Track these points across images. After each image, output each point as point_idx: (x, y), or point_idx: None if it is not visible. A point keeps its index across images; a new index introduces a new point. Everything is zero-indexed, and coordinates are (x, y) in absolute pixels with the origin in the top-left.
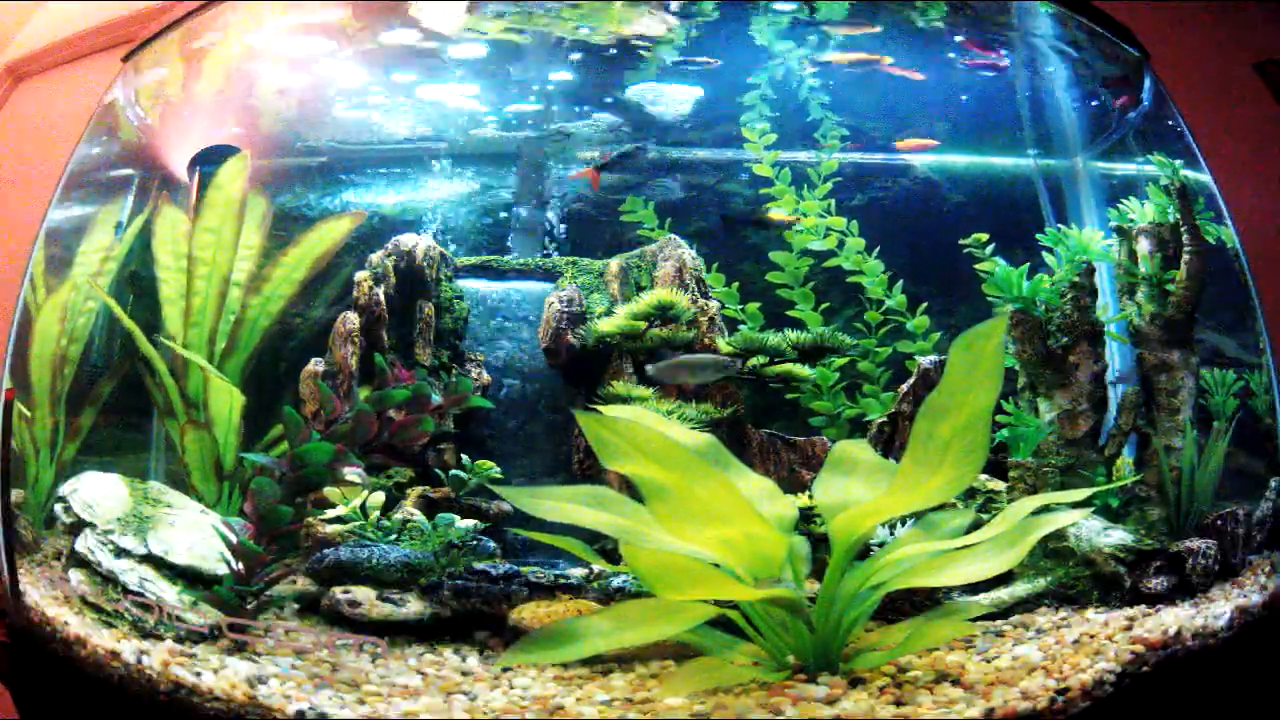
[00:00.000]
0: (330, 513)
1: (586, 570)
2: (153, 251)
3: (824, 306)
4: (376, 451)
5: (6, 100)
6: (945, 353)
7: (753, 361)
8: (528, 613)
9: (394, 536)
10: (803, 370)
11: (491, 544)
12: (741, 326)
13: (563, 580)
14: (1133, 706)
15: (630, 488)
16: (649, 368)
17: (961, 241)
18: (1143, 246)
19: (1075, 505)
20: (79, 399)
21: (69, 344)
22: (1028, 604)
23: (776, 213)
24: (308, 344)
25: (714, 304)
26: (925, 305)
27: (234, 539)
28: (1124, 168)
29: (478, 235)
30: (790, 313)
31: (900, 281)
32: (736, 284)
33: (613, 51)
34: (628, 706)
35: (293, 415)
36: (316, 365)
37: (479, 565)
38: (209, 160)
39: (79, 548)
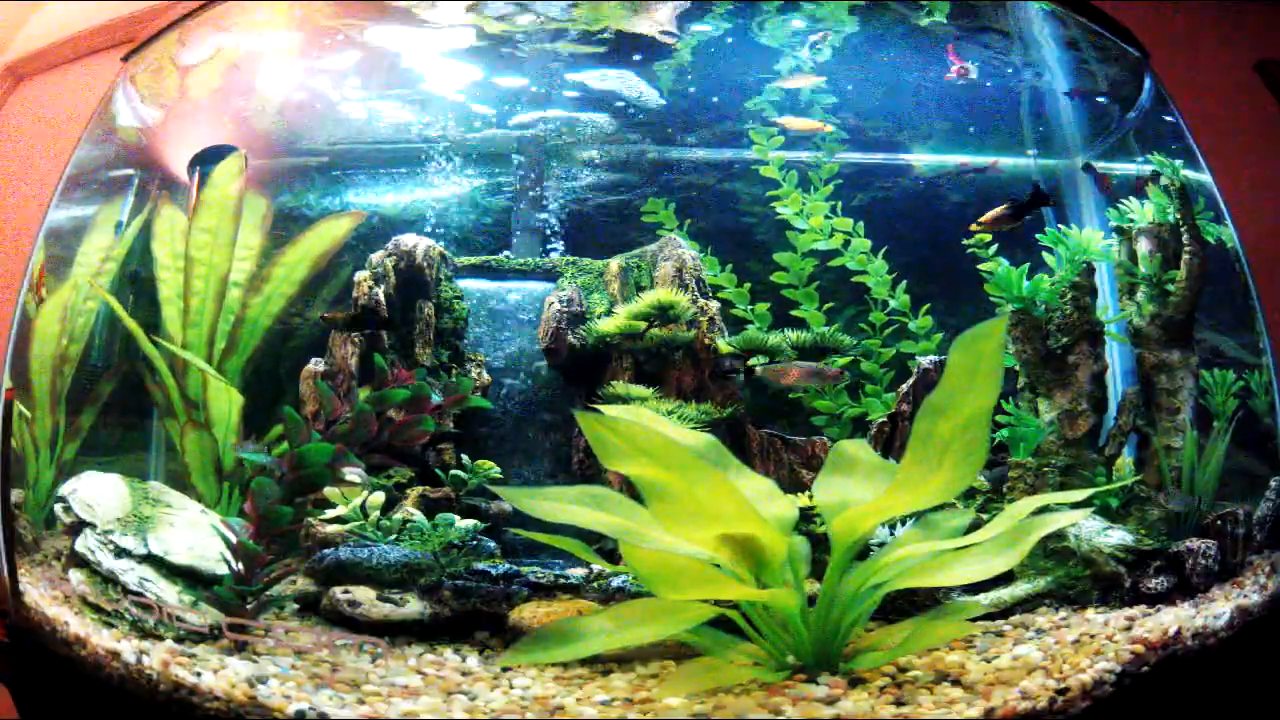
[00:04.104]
0: (330, 513)
1: (586, 570)
2: (152, 251)
3: (827, 306)
4: (376, 451)
5: (6, 100)
6: (946, 353)
7: (753, 361)
8: (528, 613)
9: (394, 536)
10: None
11: (492, 544)
12: (749, 326)
13: (563, 580)
14: (1133, 706)
15: (630, 488)
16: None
17: (966, 242)
18: (1143, 246)
19: (1075, 505)
20: (79, 399)
21: (69, 344)
22: (1028, 604)
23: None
24: (308, 344)
25: (714, 304)
26: (928, 306)
27: (234, 539)
28: (1124, 168)
29: (478, 235)
30: (794, 312)
31: (904, 282)
32: (749, 285)
33: (614, 51)
34: (628, 706)
35: (293, 415)
36: (316, 365)
37: (479, 565)
38: (208, 160)
39: (79, 548)
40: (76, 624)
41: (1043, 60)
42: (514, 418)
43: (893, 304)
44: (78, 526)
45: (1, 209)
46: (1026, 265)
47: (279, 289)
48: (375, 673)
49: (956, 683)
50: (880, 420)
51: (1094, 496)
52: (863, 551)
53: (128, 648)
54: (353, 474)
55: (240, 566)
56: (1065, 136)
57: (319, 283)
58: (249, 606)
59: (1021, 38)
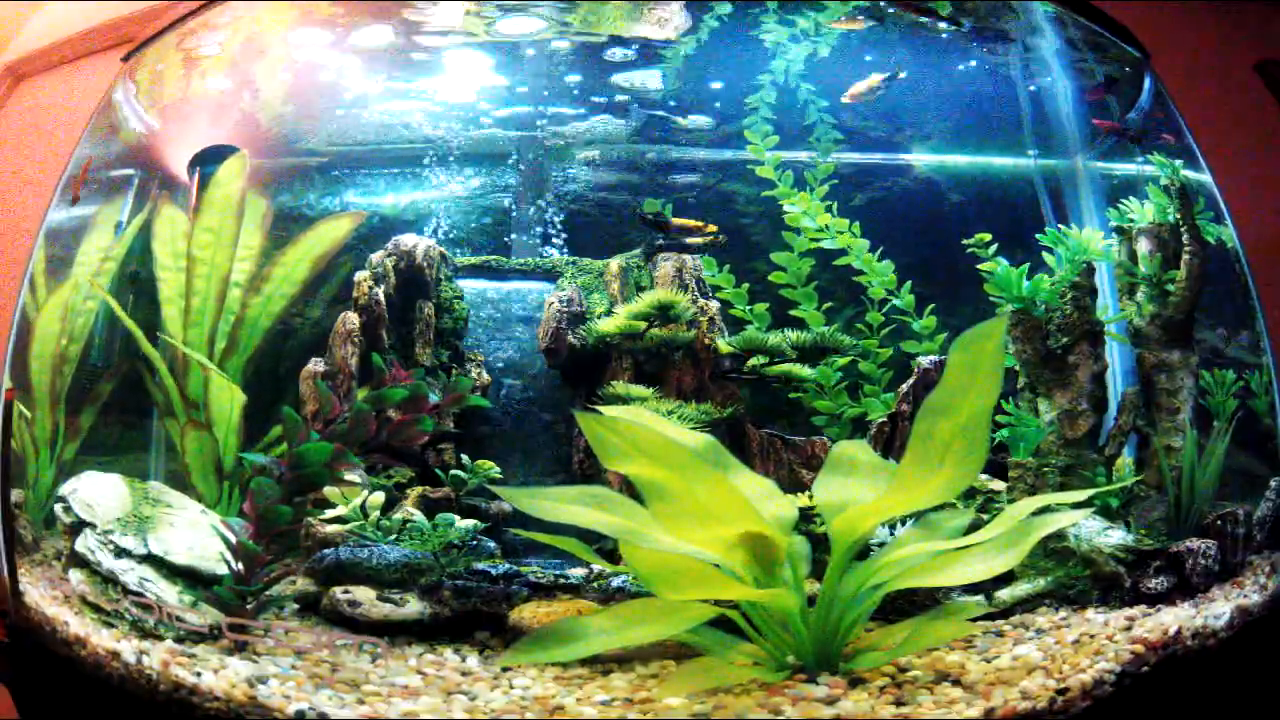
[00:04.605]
0: (330, 513)
1: (586, 570)
2: (152, 251)
3: (826, 306)
4: (375, 451)
5: (6, 100)
6: (947, 353)
7: (753, 361)
8: (528, 613)
9: (394, 536)
10: (802, 370)
11: (492, 544)
12: (748, 327)
13: (563, 580)
14: (1133, 706)
15: (630, 488)
16: None
17: (965, 242)
18: (1143, 246)
19: (1075, 505)
20: (79, 399)
21: (69, 344)
22: (1028, 604)
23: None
24: (308, 344)
25: (714, 304)
26: (933, 306)
27: (234, 539)
28: (1124, 168)
29: (478, 235)
30: (793, 312)
31: (909, 282)
32: (747, 285)
33: (614, 51)
34: (628, 706)
35: (291, 415)
36: (316, 365)
37: (479, 565)
38: (209, 160)
39: (79, 548)
40: (76, 624)
41: (1043, 60)
42: (514, 417)
43: (897, 304)
44: (78, 526)
45: (2, 209)
46: (1026, 265)
47: (279, 289)
48: (375, 673)
49: (956, 683)
50: (880, 420)
51: (1094, 496)
52: (863, 551)
53: (128, 648)
54: (352, 474)
55: (240, 566)
56: (1065, 136)
57: (319, 283)
58: (249, 606)
59: (1023, 38)
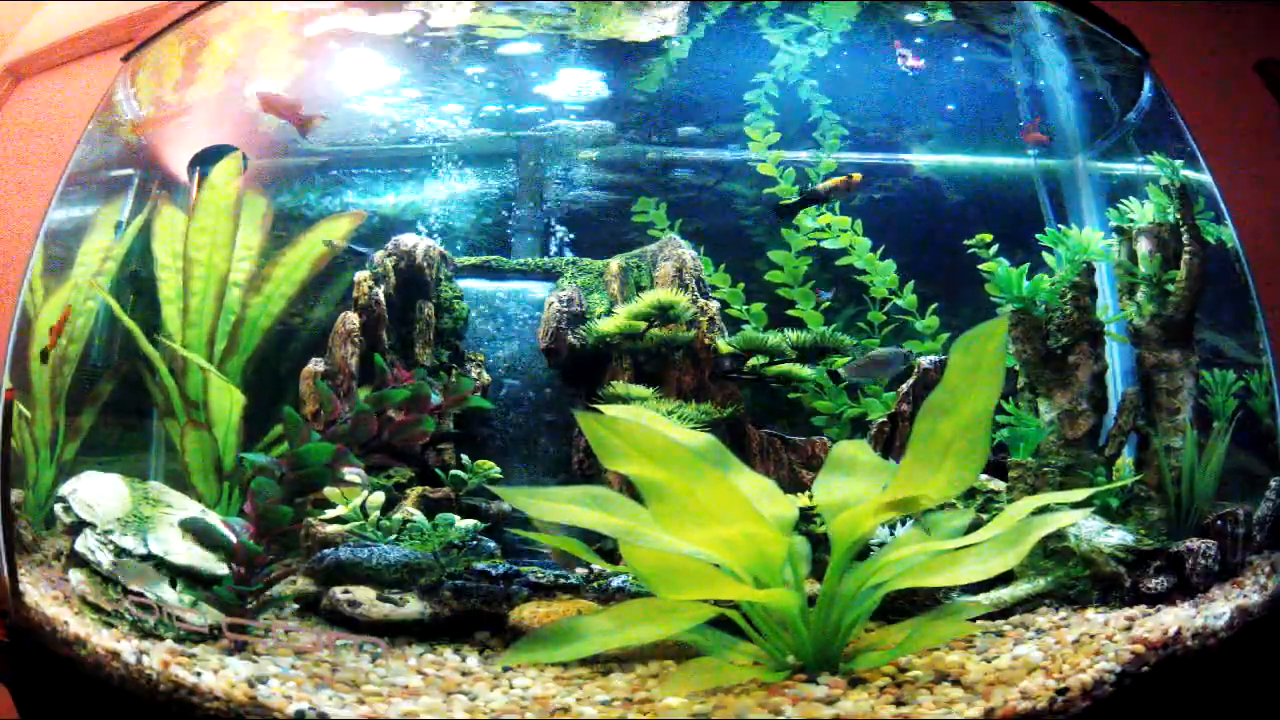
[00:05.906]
0: (330, 513)
1: (586, 570)
2: (152, 251)
3: (825, 305)
4: (376, 451)
5: (6, 100)
6: (947, 353)
7: (753, 361)
8: (528, 613)
9: (394, 536)
10: (802, 370)
11: (492, 544)
12: (745, 326)
13: (563, 580)
14: (1133, 706)
15: (630, 488)
16: (843, 371)
17: (967, 242)
18: (1143, 246)
19: (1075, 505)
20: (79, 399)
21: (69, 344)
22: (1028, 604)
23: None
24: (308, 344)
25: (714, 304)
26: (935, 305)
27: (234, 539)
28: (1124, 168)
29: (478, 235)
30: (791, 312)
31: (912, 281)
32: (742, 284)
33: (614, 52)
34: (628, 706)
35: (292, 416)
36: (316, 365)
37: (479, 565)
38: (209, 160)
39: (79, 548)
40: (76, 624)
41: (1042, 60)
42: (513, 418)
43: (900, 303)
44: (78, 526)
45: (2, 209)
46: (1026, 265)
47: (279, 289)
48: (375, 673)
49: (956, 683)
50: (880, 420)
51: (1094, 496)
52: (863, 551)
53: (128, 648)
54: (352, 474)
55: (240, 567)
56: (1065, 136)
57: (319, 283)
58: (249, 606)
59: (1021, 38)
